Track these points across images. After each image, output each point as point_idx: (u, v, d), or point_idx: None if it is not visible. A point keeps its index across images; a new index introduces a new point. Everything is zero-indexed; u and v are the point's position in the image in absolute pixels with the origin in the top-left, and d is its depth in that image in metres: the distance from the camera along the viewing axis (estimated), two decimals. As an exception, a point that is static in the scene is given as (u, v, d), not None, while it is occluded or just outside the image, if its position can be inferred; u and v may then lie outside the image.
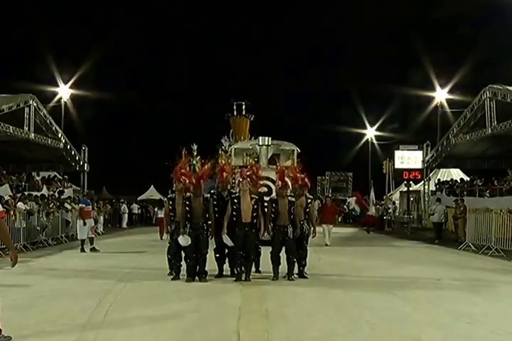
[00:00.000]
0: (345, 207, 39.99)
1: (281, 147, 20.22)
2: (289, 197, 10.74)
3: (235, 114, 37.45)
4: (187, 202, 10.32)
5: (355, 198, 35.96)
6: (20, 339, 6.10)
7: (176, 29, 55.06)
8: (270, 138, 19.39)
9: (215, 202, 10.74)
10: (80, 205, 16.98)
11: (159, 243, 17.42)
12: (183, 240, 10.20)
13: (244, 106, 37.29)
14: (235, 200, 10.50)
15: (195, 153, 39.31)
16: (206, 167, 11.18)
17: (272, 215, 10.62)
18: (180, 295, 9.03)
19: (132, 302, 8.35)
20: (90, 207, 17.31)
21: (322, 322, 7.17)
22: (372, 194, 32.85)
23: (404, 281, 10.62)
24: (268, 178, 18.05)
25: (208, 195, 10.67)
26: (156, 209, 29.46)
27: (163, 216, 27.20)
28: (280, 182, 10.85)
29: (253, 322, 7.16)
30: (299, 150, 20.07)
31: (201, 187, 10.53)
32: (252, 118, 37.34)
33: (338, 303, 8.43)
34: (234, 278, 10.39)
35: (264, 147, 19.30)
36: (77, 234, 21.24)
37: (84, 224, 16.46)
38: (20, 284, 9.82)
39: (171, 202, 10.71)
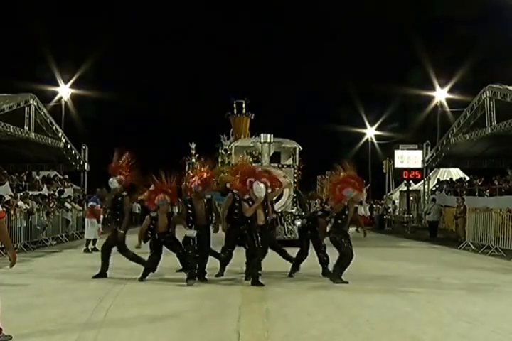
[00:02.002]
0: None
1: (283, 145, 19.90)
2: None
3: (235, 112, 37.46)
4: (189, 205, 10.25)
5: None
6: (21, 338, 6.12)
7: (176, 29, 55.06)
8: (272, 136, 19.20)
9: (237, 204, 10.72)
10: (91, 204, 16.88)
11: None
12: (190, 232, 10.12)
13: (244, 105, 37.29)
14: (250, 202, 10.30)
15: (193, 152, 39.61)
16: (209, 169, 10.97)
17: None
18: (181, 294, 9.05)
19: (132, 302, 8.36)
20: (99, 205, 17.18)
21: (322, 321, 7.19)
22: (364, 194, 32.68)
23: (404, 281, 10.64)
24: None
25: (210, 196, 10.58)
26: None
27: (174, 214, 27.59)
28: (357, 191, 10.61)
29: (253, 321, 7.18)
30: (301, 148, 19.89)
31: (205, 189, 10.45)
32: (252, 117, 37.33)
33: (338, 303, 8.45)
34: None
35: (266, 144, 18.99)
36: (77, 234, 21.40)
37: (99, 222, 16.64)
38: (21, 283, 9.84)
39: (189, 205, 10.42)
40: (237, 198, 10.89)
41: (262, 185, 10.24)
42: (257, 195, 10.15)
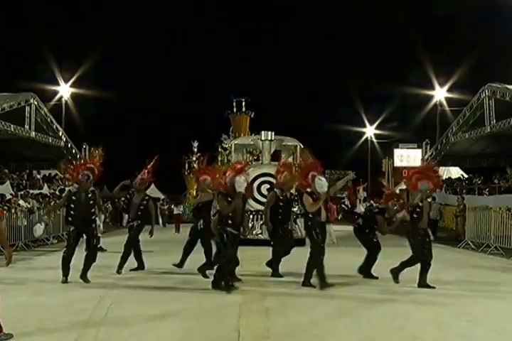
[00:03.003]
0: (343, 205, 39.85)
1: (284, 142, 19.76)
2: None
3: (235, 111, 37.48)
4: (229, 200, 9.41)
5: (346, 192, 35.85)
6: (22, 336, 6.14)
7: (177, 28, 55.08)
8: (273, 133, 19.01)
9: (281, 203, 10.64)
10: None
11: (160, 241, 17.41)
12: None
13: (244, 104, 37.32)
14: (314, 196, 9.60)
15: (195, 150, 39.61)
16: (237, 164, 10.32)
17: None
18: (181, 293, 9.07)
19: (133, 301, 8.39)
20: None
21: (322, 320, 7.21)
22: (361, 192, 32.46)
23: (405, 280, 10.64)
24: (272, 175, 17.92)
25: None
26: (171, 206, 30.90)
27: (179, 212, 28.22)
28: (432, 185, 10.08)
29: (253, 320, 7.21)
30: (302, 146, 19.81)
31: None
32: (252, 115, 37.35)
33: (338, 301, 8.46)
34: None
35: (267, 142, 18.84)
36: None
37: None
38: (22, 282, 9.86)
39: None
40: (280, 197, 10.74)
41: (324, 180, 9.62)
42: (320, 190, 9.43)
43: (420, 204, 9.91)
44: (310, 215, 9.54)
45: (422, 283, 9.86)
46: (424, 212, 9.93)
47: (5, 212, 15.81)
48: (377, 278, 10.67)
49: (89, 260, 10.26)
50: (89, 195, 10.13)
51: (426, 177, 10.01)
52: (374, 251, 10.98)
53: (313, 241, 9.55)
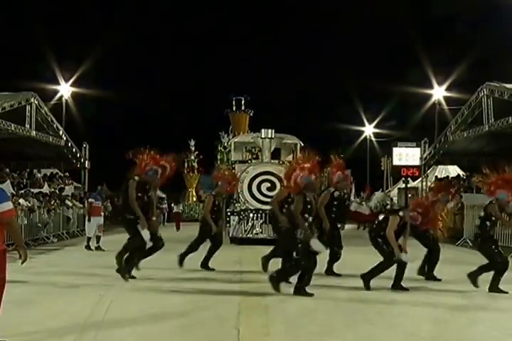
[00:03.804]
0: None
1: (284, 140, 19.78)
2: None
3: (234, 109, 37.48)
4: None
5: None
6: (22, 335, 6.17)
7: (176, 28, 55.04)
8: (273, 131, 18.99)
9: (335, 202, 10.64)
10: (90, 200, 16.88)
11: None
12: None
13: (243, 102, 37.33)
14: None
15: (192, 149, 39.66)
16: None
17: None
18: (181, 292, 9.13)
19: (133, 299, 8.44)
20: (100, 203, 17.02)
21: (321, 317, 7.29)
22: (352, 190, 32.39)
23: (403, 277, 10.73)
24: (272, 174, 17.95)
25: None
26: (172, 204, 31.62)
27: (179, 211, 29.38)
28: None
29: (253, 317, 7.28)
30: (302, 144, 19.79)
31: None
32: (251, 114, 37.35)
33: (337, 299, 8.55)
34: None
35: (267, 140, 18.84)
36: (78, 231, 21.53)
37: (89, 220, 16.44)
38: (22, 280, 9.85)
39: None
40: (336, 196, 10.66)
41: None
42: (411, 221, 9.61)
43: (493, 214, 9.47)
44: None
45: (494, 288, 9.30)
46: (497, 219, 9.58)
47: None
48: (440, 280, 10.55)
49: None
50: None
51: (508, 188, 9.31)
52: (433, 250, 10.80)
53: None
